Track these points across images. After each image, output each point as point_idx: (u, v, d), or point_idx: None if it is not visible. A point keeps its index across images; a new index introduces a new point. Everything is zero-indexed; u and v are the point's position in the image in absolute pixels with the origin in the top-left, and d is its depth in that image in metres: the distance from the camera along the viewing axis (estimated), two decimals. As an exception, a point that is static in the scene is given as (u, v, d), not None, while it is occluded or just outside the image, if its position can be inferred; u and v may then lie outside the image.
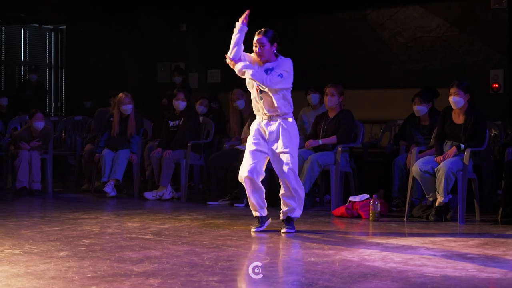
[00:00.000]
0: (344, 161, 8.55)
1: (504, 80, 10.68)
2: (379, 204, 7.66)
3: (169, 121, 9.89)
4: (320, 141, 8.69)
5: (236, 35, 6.75)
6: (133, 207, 8.70)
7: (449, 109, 7.89)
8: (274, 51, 6.75)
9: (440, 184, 7.43)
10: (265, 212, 6.82)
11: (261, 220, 6.78)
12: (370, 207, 7.66)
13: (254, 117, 9.08)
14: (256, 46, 6.72)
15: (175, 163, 9.53)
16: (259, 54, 6.70)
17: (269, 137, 6.66)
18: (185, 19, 13.65)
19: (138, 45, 14.17)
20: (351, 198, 8.07)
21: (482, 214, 7.79)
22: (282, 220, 6.74)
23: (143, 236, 6.45)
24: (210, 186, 9.18)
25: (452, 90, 7.72)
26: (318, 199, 9.11)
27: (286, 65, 6.71)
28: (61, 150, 11.51)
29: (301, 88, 11.82)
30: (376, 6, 11.78)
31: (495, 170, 9.27)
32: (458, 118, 7.80)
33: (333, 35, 12.15)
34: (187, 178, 9.57)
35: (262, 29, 6.78)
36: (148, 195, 9.49)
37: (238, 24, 6.78)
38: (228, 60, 6.74)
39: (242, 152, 9.04)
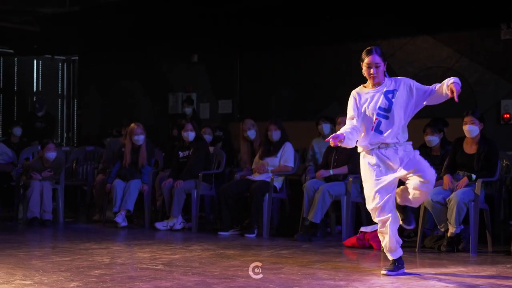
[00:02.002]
0: (355, 191, 8.53)
1: (515, 110, 10.66)
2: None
3: (179, 152, 9.91)
4: (331, 171, 8.69)
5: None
6: (144, 238, 8.69)
7: (460, 139, 7.88)
8: (385, 69, 6.11)
9: (452, 215, 7.40)
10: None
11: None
12: (382, 237, 7.62)
13: (264, 147, 9.11)
14: (370, 68, 6.06)
15: (186, 193, 9.54)
16: (373, 77, 6.05)
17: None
18: (197, 49, 13.74)
19: (150, 76, 14.25)
20: (362, 229, 8.04)
21: (494, 244, 7.75)
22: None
23: (154, 267, 6.43)
24: (221, 216, 9.17)
25: (468, 119, 7.72)
26: (329, 229, 9.08)
27: (410, 80, 6.10)
28: (72, 180, 11.54)
29: (311, 118, 11.92)
30: (386, 37, 11.82)
31: (507, 201, 9.23)
32: (470, 148, 7.79)
33: (344, 66, 12.18)
34: (198, 208, 9.55)
35: (372, 48, 6.10)
36: (159, 225, 9.48)
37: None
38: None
39: (253, 182, 9.08)
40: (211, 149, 10.13)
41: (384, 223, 6.05)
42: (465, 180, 7.65)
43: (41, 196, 9.95)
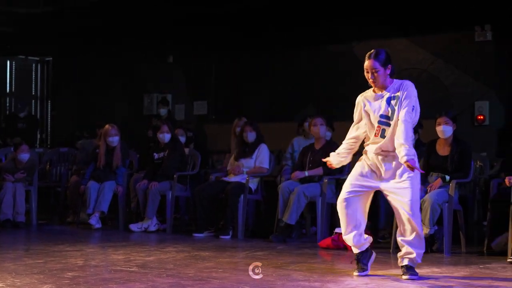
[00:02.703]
0: (330, 193, 8.54)
1: (489, 112, 10.74)
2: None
3: (154, 153, 9.87)
4: (307, 173, 8.70)
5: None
6: (118, 239, 8.64)
7: (433, 141, 7.94)
8: (389, 73, 5.99)
9: (426, 216, 7.43)
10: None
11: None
12: (356, 238, 7.64)
13: (239, 148, 9.13)
14: (368, 73, 5.97)
15: (161, 195, 9.50)
16: (372, 82, 5.99)
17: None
18: (172, 50, 13.70)
19: (125, 77, 14.19)
20: (337, 230, 8.04)
21: (467, 245, 7.80)
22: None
23: (128, 269, 6.39)
24: (196, 217, 9.15)
25: (441, 120, 7.77)
26: (305, 230, 9.09)
27: (411, 92, 5.93)
28: (46, 182, 11.45)
29: (287, 119, 11.93)
30: (362, 39, 11.87)
31: (481, 202, 9.29)
32: (444, 150, 7.85)
33: (320, 68, 12.21)
34: (172, 210, 9.52)
35: (373, 51, 5.99)
36: (133, 227, 9.44)
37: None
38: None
39: (228, 184, 9.07)
40: (186, 150, 10.11)
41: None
42: (439, 181, 7.69)
43: (14, 197, 9.86)
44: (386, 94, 5.96)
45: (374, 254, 6.25)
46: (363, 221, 6.11)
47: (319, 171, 8.69)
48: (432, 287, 5.67)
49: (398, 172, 5.94)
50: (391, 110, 5.92)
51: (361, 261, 6.12)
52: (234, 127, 9.96)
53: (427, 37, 11.36)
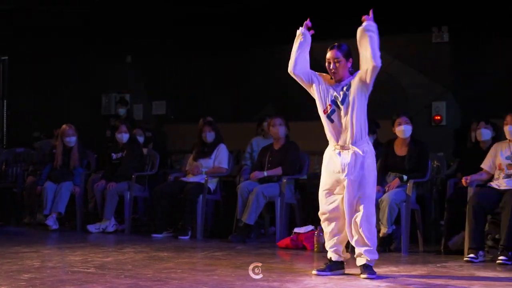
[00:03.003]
0: (289, 193, 8.56)
1: (446, 112, 10.85)
2: (323, 236, 7.66)
3: (112, 153, 9.80)
4: (266, 173, 8.71)
5: (297, 42, 6.23)
6: (76, 240, 8.56)
7: (391, 141, 8.01)
8: (349, 67, 6.08)
9: (384, 215, 7.49)
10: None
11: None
12: (315, 238, 7.67)
13: (198, 148, 9.11)
14: (330, 63, 6.03)
15: (119, 195, 9.43)
16: (333, 72, 6.01)
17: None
18: (131, 50, 13.61)
19: (83, 76, 14.05)
20: (296, 230, 8.07)
21: (425, 244, 7.88)
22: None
23: (85, 270, 6.33)
24: (155, 218, 9.10)
25: (402, 120, 7.85)
26: (263, 230, 9.10)
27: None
28: (2, 182, 11.30)
29: (246, 120, 11.93)
30: (320, 39, 11.88)
31: (438, 201, 9.39)
32: (401, 150, 7.92)
33: (278, 67, 12.20)
34: (131, 210, 9.47)
35: (335, 43, 6.14)
36: (91, 228, 9.36)
37: (300, 30, 6.26)
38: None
39: (187, 184, 9.04)
40: (144, 150, 10.05)
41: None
42: (396, 181, 7.76)
43: (-31, 198, 9.73)
44: (341, 84, 6.00)
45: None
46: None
47: (278, 171, 8.70)
48: (390, 286, 5.71)
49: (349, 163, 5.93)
50: (343, 95, 5.96)
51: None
52: (200, 126, 9.90)
53: (385, 38, 11.29)
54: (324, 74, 6.16)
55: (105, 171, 9.79)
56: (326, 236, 6.17)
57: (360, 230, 5.91)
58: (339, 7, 11.39)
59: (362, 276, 5.96)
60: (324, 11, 11.33)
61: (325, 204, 6.11)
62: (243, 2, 11.92)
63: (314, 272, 6.11)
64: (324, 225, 6.16)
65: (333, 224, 6.10)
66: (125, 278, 5.93)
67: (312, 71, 6.16)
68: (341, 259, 6.15)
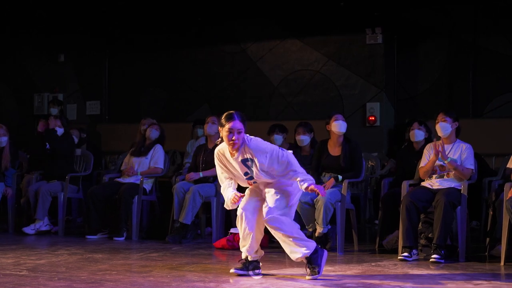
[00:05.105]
0: (225, 193, 8.53)
1: (380, 113, 11.00)
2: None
3: (46, 143, 9.61)
4: (201, 174, 8.68)
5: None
6: (8, 243, 8.39)
7: (324, 141, 8.08)
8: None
9: (319, 215, 7.54)
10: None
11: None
12: (251, 238, 7.67)
13: (136, 147, 9.04)
14: (231, 133, 5.83)
15: (52, 196, 9.28)
16: (234, 143, 5.84)
17: None
18: (64, 48, 13.42)
19: (14, 75, 13.81)
20: (232, 230, 8.06)
21: (360, 243, 7.96)
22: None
23: (18, 273, 6.22)
24: (89, 219, 8.98)
25: (337, 116, 7.91)
26: (200, 231, 9.07)
27: (262, 146, 5.93)
28: None
29: (182, 120, 11.89)
30: (256, 39, 11.95)
31: (372, 201, 9.52)
32: (335, 150, 7.99)
33: (215, 68, 12.22)
34: (64, 212, 9.33)
35: (232, 113, 5.93)
36: (27, 230, 9.16)
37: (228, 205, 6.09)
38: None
39: (122, 185, 8.95)
40: (78, 151, 9.92)
41: None
42: (332, 181, 7.82)
43: None
44: (240, 157, 5.93)
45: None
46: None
47: (213, 171, 8.66)
48: (325, 285, 5.76)
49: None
50: (249, 169, 5.96)
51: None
52: (140, 125, 9.83)
53: (320, 38, 11.54)
54: (222, 151, 6.08)
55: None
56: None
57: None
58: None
59: (307, 277, 5.96)
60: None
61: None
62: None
63: (232, 271, 6.17)
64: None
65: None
66: (58, 280, 5.85)
67: (220, 174, 6.19)
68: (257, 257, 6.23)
